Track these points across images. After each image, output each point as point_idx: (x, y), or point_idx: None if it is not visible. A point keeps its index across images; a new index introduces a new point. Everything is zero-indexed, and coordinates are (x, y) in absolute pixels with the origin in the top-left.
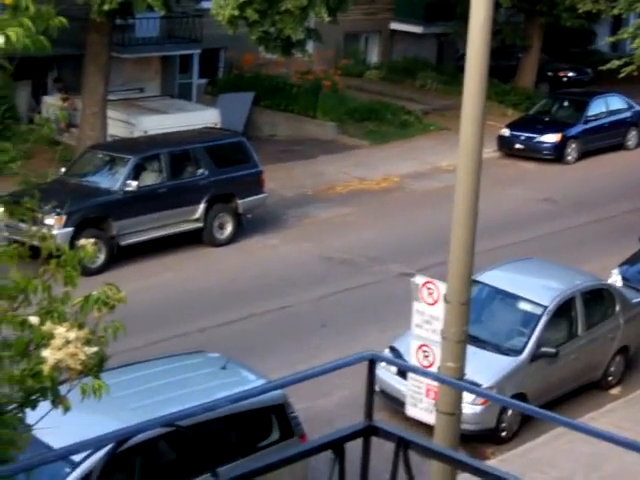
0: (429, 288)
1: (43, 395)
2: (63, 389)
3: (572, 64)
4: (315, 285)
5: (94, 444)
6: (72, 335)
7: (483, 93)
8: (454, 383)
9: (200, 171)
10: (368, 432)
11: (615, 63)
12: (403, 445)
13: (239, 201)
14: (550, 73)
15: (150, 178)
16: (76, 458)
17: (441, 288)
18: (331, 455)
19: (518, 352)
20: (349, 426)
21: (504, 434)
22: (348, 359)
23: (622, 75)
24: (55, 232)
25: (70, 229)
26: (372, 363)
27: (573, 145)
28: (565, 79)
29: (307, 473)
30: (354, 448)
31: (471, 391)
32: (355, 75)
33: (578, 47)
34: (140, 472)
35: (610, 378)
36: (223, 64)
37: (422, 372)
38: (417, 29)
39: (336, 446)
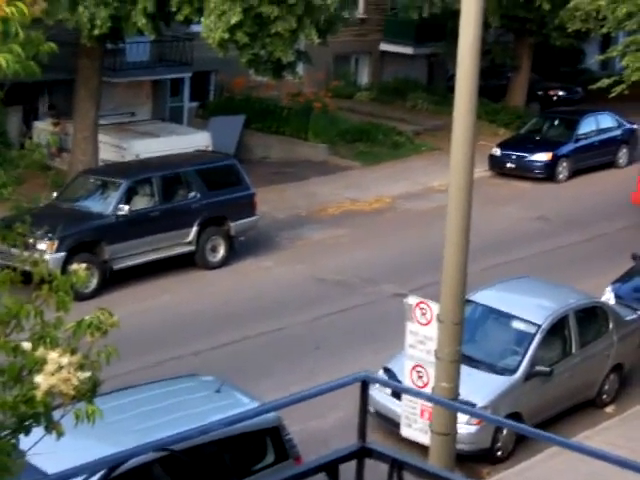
0: (422, 308)
1: (36, 421)
2: (56, 414)
3: (562, 83)
4: (308, 307)
5: (88, 469)
6: (65, 360)
7: (473, 113)
8: (447, 403)
9: (192, 194)
10: (362, 454)
11: (605, 82)
12: (397, 466)
13: (231, 224)
14: (540, 92)
15: (142, 202)
16: None
17: (434, 308)
18: (325, 477)
19: (512, 371)
20: (343, 448)
21: (499, 454)
22: (341, 380)
23: (613, 95)
24: (47, 257)
25: (62, 254)
26: (365, 384)
27: (564, 164)
28: (555, 98)
29: None
30: (348, 470)
31: (464, 411)
32: (346, 96)
33: (568, 66)
34: None
35: (604, 396)
36: (214, 87)
37: (414, 393)
38: (407, 50)
39: (330, 468)
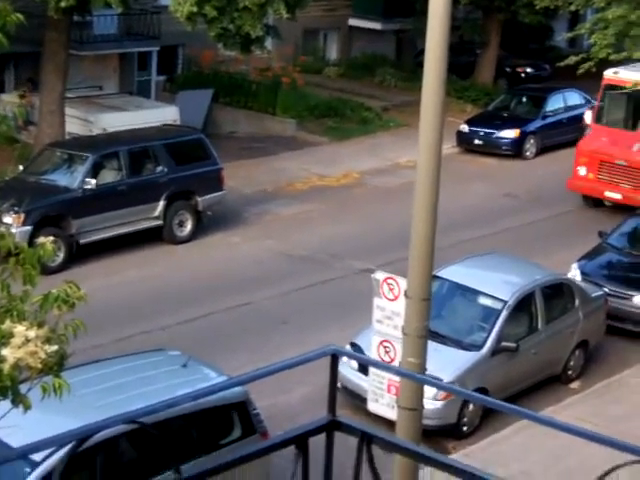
0: (390, 284)
1: (3, 394)
2: (23, 388)
3: (530, 60)
4: (276, 282)
5: (55, 442)
6: (32, 333)
7: (442, 89)
8: (417, 377)
9: (159, 168)
10: (331, 427)
11: (573, 59)
12: (366, 440)
13: (199, 198)
14: (508, 69)
15: (109, 176)
16: (36, 457)
17: (402, 284)
18: (295, 451)
19: (479, 347)
20: (312, 421)
21: (465, 429)
22: (310, 354)
23: (580, 72)
24: (14, 230)
25: (29, 227)
26: (335, 358)
27: (532, 140)
28: (523, 75)
29: (269, 470)
30: (317, 443)
31: (434, 385)
32: (314, 72)
33: (536, 43)
34: (102, 471)
35: (570, 372)
36: (182, 61)
37: (385, 367)
38: (376, 25)
39: (299, 442)
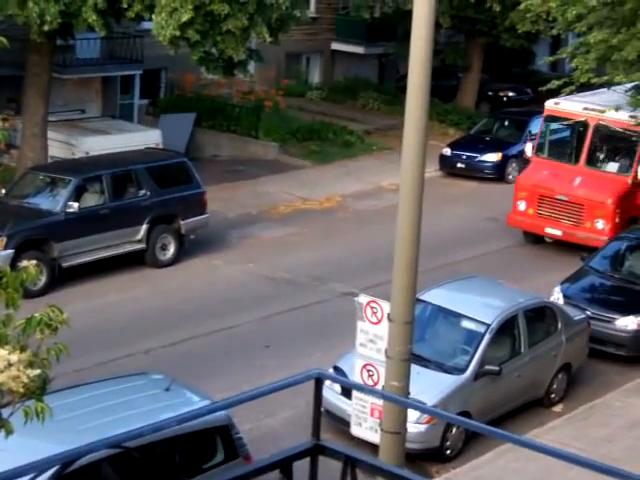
0: (373, 307)
1: None
2: (5, 412)
3: (512, 84)
4: (259, 305)
5: (39, 467)
6: (14, 358)
7: (425, 113)
8: (400, 401)
9: (142, 192)
10: (315, 451)
11: (555, 83)
12: (350, 464)
13: (182, 222)
14: (491, 93)
15: (92, 199)
16: None
17: (385, 307)
18: (279, 475)
19: (461, 370)
20: (296, 445)
21: (448, 452)
22: (295, 378)
23: (562, 96)
24: None
25: (11, 251)
26: (319, 382)
27: (514, 164)
28: (505, 99)
29: None
30: (301, 468)
31: (417, 408)
32: (297, 95)
33: (518, 67)
34: None
35: (553, 395)
36: (164, 84)
37: (369, 390)
38: (358, 49)
39: (284, 466)
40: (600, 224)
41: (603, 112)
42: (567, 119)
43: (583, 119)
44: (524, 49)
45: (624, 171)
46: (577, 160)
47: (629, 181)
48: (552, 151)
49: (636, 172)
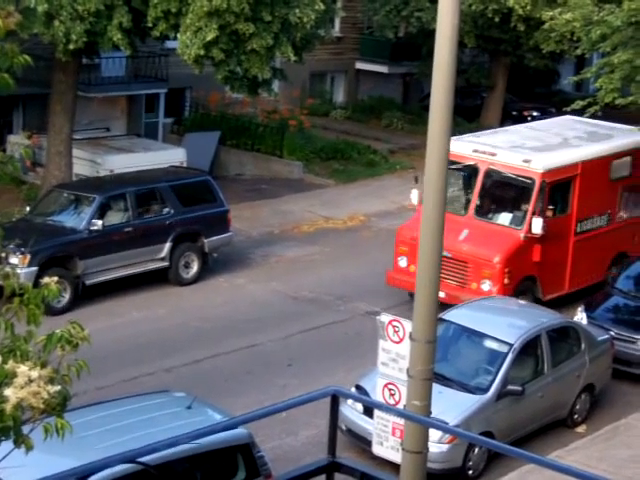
0: (395, 326)
1: (5, 434)
2: (26, 428)
3: (536, 103)
4: (281, 324)
5: None
6: (35, 374)
7: (448, 132)
8: (422, 420)
9: (166, 210)
10: (331, 468)
11: (579, 103)
12: None
13: (205, 240)
14: (515, 112)
15: (116, 217)
16: None
17: (407, 326)
18: None
19: (484, 390)
20: (312, 462)
21: (471, 472)
22: (311, 395)
23: (586, 116)
24: (19, 271)
25: (35, 268)
26: (335, 399)
27: None
28: (529, 118)
29: None
30: None
31: (439, 428)
32: (321, 114)
33: (542, 87)
34: None
35: (576, 416)
36: (189, 103)
37: (384, 407)
38: (383, 69)
39: None
40: (486, 286)
41: (494, 155)
42: (456, 162)
43: (473, 163)
44: (548, 69)
45: (517, 224)
46: (466, 210)
47: (521, 235)
48: None
49: (530, 225)
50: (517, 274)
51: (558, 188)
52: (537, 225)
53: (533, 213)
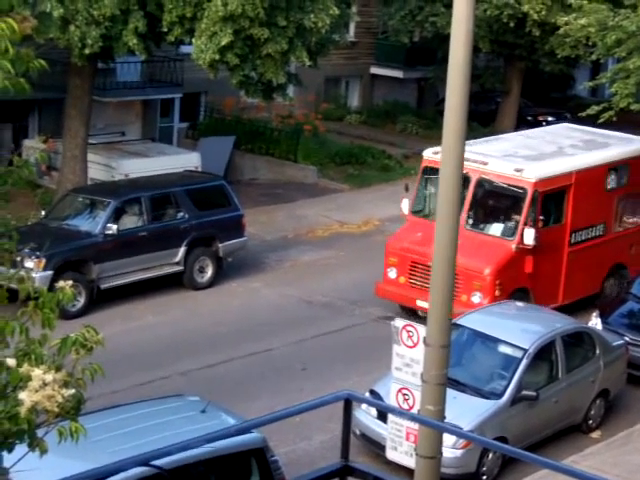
0: (409, 331)
1: (20, 438)
2: (40, 432)
3: (551, 109)
4: (296, 328)
5: None
6: (49, 377)
7: (462, 137)
8: (436, 425)
9: (181, 214)
10: (344, 472)
11: (594, 108)
12: None
13: (220, 244)
14: (530, 117)
15: (130, 221)
16: None
17: (421, 331)
18: None
19: (498, 395)
20: (325, 466)
21: (485, 478)
22: (324, 398)
23: (601, 121)
24: (35, 275)
25: (50, 272)
26: (348, 403)
27: None
28: (544, 123)
29: None
30: None
31: (453, 433)
32: (336, 119)
33: (557, 92)
34: None
35: (590, 421)
36: (204, 108)
37: (397, 412)
38: (397, 73)
39: None
40: (477, 298)
41: (486, 164)
42: None
43: (464, 172)
44: (563, 74)
45: (508, 234)
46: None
47: (513, 246)
48: (430, 209)
49: (522, 236)
50: (508, 286)
51: (551, 198)
52: (529, 236)
53: (525, 224)
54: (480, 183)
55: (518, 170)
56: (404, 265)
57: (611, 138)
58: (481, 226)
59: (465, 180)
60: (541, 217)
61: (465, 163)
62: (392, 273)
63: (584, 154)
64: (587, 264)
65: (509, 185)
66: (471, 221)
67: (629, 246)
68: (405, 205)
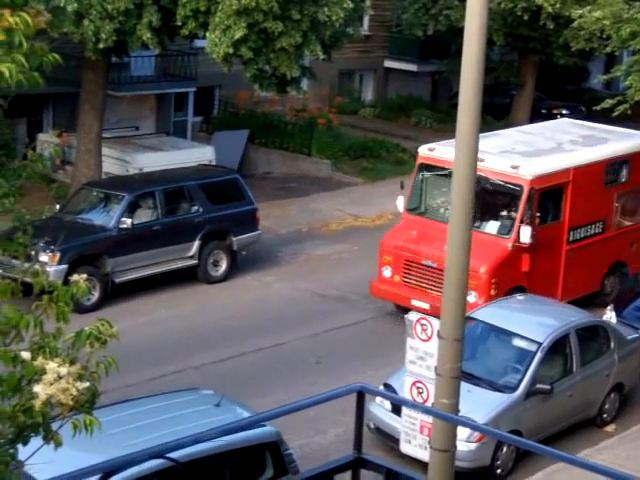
0: (423, 324)
1: (35, 431)
2: (54, 425)
3: (566, 101)
4: (309, 322)
5: (81, 475)
6: (64, 370)
7: (476, 131)
8: (451, 418)
9: (195, 208)
10: (357, 464)
11: (609, 102)
12: (392, 477)
13: (234, 238)
14: (544, 110)
15: (145, 215)
16: None
17: (435, 324)
18: None
19: (513, 389)
20: (338, 458)
21: (499, 471)
22: (337, 391)
23: (616, 114)
24: (49, 269)
25: (64, 266)
26: (361, 395)
27: None
28: (559, 116)
29: None
30: None
31: (468, 426)
32: (350, 113)
33: (572, 85)
34: None
35: (605, 415)
36: (218, 102)
37: (411, 404)
38: (411, 67)
39: (326, 478)
40: (472, 297)
41: (482, 161)
42: (442, 168)
43: None
44: (578, 67)
45: (504, 232)
46: None
47: (509, 245)
48: (425, 207)
49: (518, 234)
50: (504, 285)
51: (549, 195)
52: (525, 234)
53: (521, 221)
54: (476, 180)
55: (514, 167)
56: (398, 264)
57: (611, 133)
58: (477, 224)
59: None
60: (538, 214)
61: None
62: (387, 272)
63: (582, 150)
64: (586, 262)
65: (505, 182)
66: None
67: (630, 244)
68: (400, 203)
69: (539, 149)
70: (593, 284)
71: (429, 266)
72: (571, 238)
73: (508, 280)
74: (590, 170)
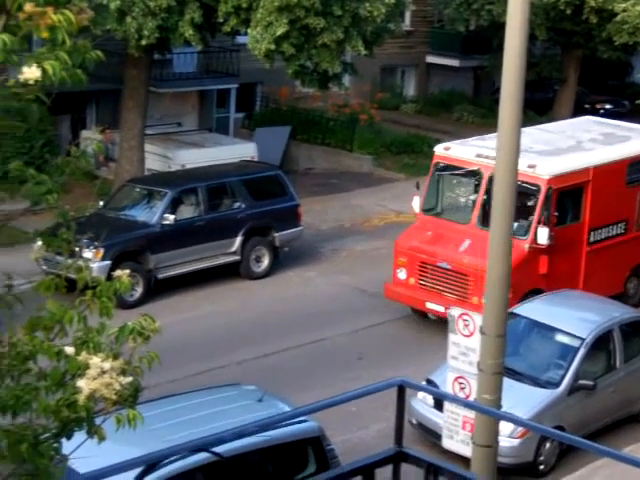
0: (465, 320)
1: (78, 425)
2: (98, 419)
3: (609, 96)
4: (351, 318)
5: (123, 467)
6: (107, 365)
7: (518, 126)
8: (494, 413)
9: (237, 204)
10: (398, 458)
11: None
12: (433, 471)
13: (276, 234)
14: (587, 105)
15: (187, 211)
16: None
17: (477, 320)
18: None
19: (555, 385)
20: (379, 452)
21: (542, 467)
22: (378, 385)
23: None
24: (93, 265)
25: (108, 262)
26: (402, 389)
27: None
28: (602, 111)
29: None
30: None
31: (510, 421)
32: (391, 108)
33: (615, 79)
34: None
35: None
36: (260, 98)
37: (451, 398)
38: (453, 62)
39: (366, 472)
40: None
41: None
42: (458, 168)
43: (476, 168)
44: (621, 61)
45: (521, 233)
46: (468, 218)
47: (526, 246)
48: (441, 207)
49: (535, 235)
50: (521, 287)
51: (567, 195)
52: (543, 235)
53: (539, 222)
54: (493, 179)
55: (531, 166)
56: (413, 266)
57: (633, 131)
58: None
59: (477, 177)
60: (556, 215)
61: (477, 159)
62: (401, 274)
63: (603, 148)
64: (607, 264)
65: (522, 182)
66: (483, 219)
67: None
68: (416, 203)
69: (558, 148)
70: (615, 287)
71: (444, 268)
72: (592, 239)
73: (525, 282)
74: (611, 169)
